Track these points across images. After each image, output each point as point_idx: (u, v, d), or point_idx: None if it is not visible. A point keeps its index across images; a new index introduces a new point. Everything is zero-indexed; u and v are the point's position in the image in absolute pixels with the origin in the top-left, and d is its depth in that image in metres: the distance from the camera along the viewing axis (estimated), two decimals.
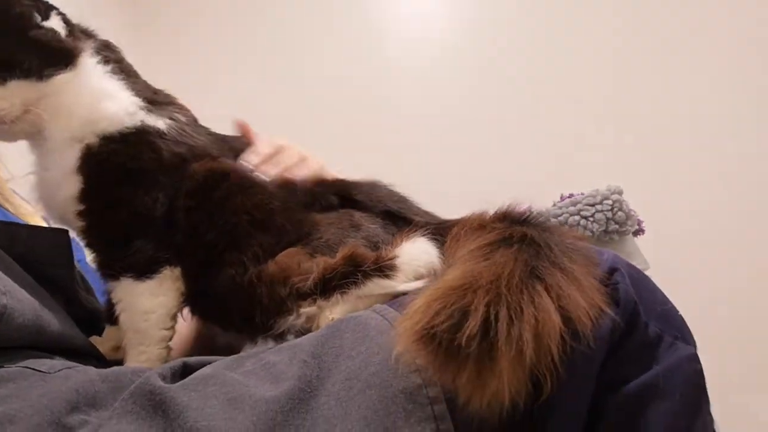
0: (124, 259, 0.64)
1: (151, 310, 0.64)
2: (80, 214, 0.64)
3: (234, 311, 0.63)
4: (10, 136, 0.65)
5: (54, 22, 0.65)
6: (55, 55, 0.63)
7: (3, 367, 0.51)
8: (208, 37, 2.53)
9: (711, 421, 0.53)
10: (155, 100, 0.69)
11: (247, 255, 0.62)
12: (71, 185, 0.64)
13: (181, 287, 0.65)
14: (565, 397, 0.48)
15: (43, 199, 0.68)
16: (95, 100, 0.65)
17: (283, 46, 2.45)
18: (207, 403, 0.46)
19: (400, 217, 0.67)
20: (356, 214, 0.66)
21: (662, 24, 2.16)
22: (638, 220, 1.13)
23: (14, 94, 0.62)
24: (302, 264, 0.60)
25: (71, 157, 0.64)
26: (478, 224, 0.59)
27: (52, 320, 0.58)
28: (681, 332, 0.54)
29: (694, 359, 0.53)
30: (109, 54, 0.69)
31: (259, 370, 0.50)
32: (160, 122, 0.67)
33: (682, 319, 0.55)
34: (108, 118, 0.64)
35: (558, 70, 2.21)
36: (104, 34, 0.72)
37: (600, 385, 0.51)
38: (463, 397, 0.44)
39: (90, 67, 0.66)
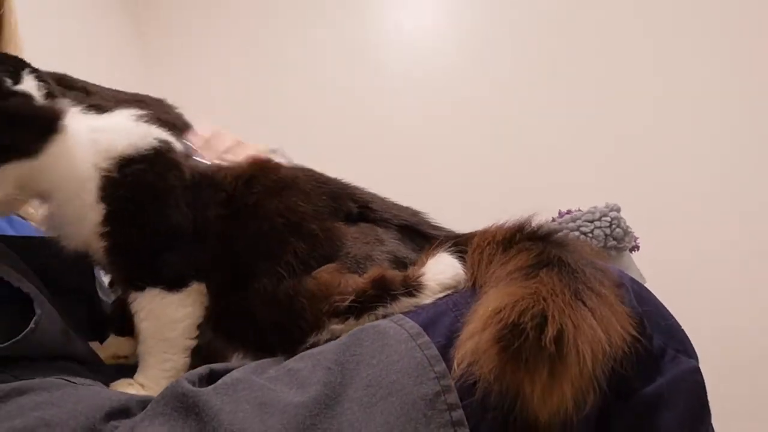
0: (153, 273, 0.63)
1: (180, 319, 0.64)
2: (104, 236, 0.63)
3: (266, 325, 0.62)
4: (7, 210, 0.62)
5: (27, 83, 0.58)
6: (37, 125, 0.58)
7: (35, 378, 0.53)
8: (209, 42, 2.53)
9: (712, 431, 0.56)
10: (158, 118, 0.68)
11: (281, 264, 0.63)
12: (95, 214, 0.62)
13: (206, 301, 0.66)
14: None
15: (59, 232, 0.64)
16: (97, 143, 0.62)
17: (283, 54, 2.47)
18: (239, 407, 0.47)
19: (416, 232, 0.69)
20: (378, 229, 0.68)
21: (662, 38, 2.18)
22: (634, 236, 1.17)
23: (5, 179, 0.57)
24: (342, 282, 0.62)
25: (90, 191, 0.61)
26: (502, 238, 0.61)
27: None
28: (683, 346, 0.57)
29: (697, 372, 0.56)
30: (84, 93, 0.65)
31: (284, 376, 0.52)
32: (168, 137, 0.66)
33: (685, 333, 0.58)
34: (117, 148, 0.62)
35: (559, 85, 2.23)
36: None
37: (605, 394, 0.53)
38: (536, 401, 0.46)
39: (77, 118, 0.61)
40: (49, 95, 0.60)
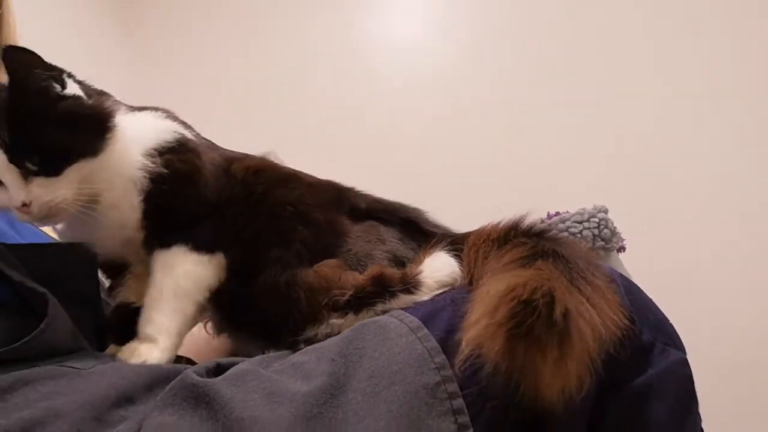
0: (185, 233, 0.65)
1: (196, 273, 0.66)
2: (142, 227, 0.65)
3: (269, 313, 0.65)
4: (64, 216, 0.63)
5: (71, 86, 0.61)
6: (95, 124, 0.61)
7: (38, 365, 0.54)
8: (206, 42, 2.56)
9: (699, 420, 0.58)
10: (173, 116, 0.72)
11: (290, 251, 0.66)
12: (135, 214, 0.65)
13: (222, 276, 0.67)
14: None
15: (88, 238, 0.66)
16: (140, 140, 0.65)
17: (280, 56, 2.49)
18: (248, 396, 0.49)
19: (417, 230, 0.71)
20: (381, 228, 0.70)
21: (662, 38, 2.19)
22: (621, 237, 1.19)
23: (71, 180, 0.59)
24: (341, 277, 0.64)
25: (135, 187, 0.64)
26: (497, 236, 0.63)
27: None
28: (672, 339, 0.59)
29: (685, 364, 0.58)
30: (108, 96, 0.68)
31: (289, 369, 0.54)
32: (186, 132, 0.70)
33: (673, 327, 0.60)
34: (155, 144, 0.65)
35: (559, 85, 2.25)
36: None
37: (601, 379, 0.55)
38: (546, 378, 0.47)
39: (122, 117, 0.64)
40: (88, 96, 0.63)
